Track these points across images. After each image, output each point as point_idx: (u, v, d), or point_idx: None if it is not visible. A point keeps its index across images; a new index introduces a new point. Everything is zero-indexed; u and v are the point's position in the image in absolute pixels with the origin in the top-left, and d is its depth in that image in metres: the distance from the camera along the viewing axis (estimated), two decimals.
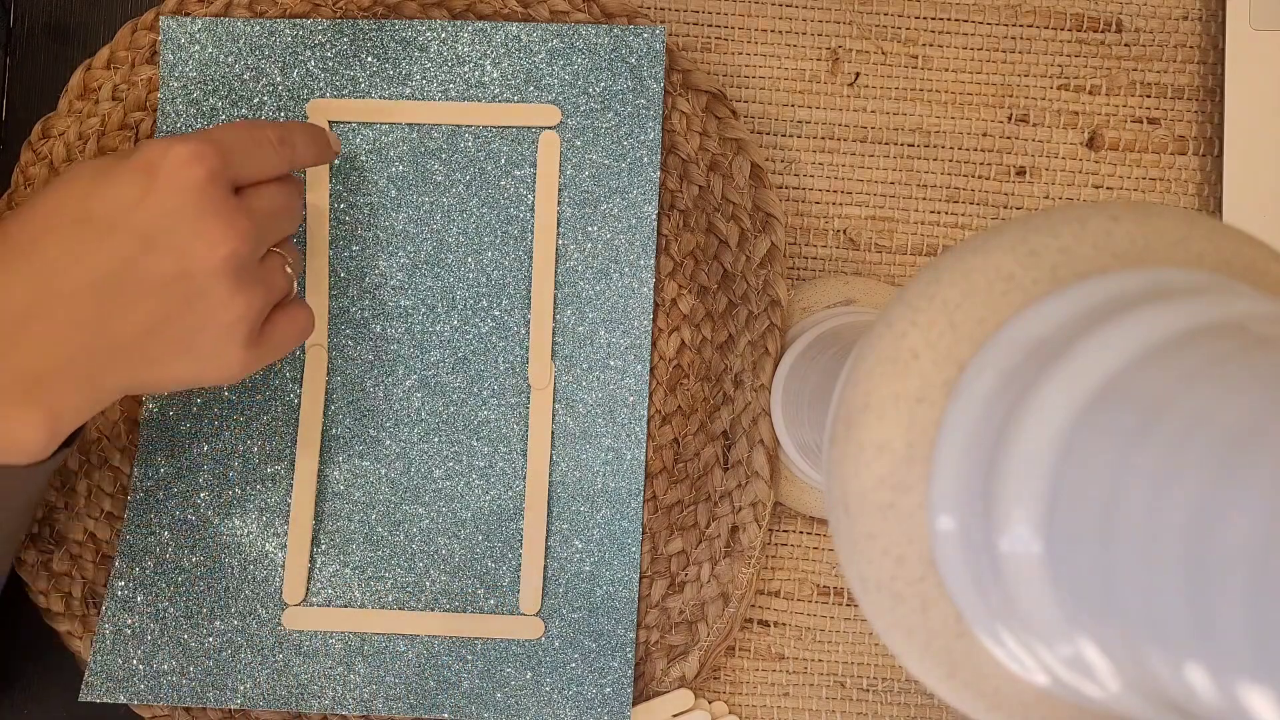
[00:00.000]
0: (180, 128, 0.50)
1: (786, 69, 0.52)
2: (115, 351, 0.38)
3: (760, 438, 0.49)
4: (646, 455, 0.50)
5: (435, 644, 0.49)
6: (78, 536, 0.50)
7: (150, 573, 0.49)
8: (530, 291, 0.50)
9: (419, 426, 0.50)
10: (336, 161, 0.51)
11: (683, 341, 0.50)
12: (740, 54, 0.53)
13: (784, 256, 0.50)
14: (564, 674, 0.48)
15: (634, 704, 0.49)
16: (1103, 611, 0.21)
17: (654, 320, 0.50)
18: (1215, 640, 0.18)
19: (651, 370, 0.50)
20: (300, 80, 0.50)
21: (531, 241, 0.50)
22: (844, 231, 0.52)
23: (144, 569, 0.49)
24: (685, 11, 0.53)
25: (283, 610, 0.49)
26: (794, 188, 0.52)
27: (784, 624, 0.51)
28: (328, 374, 0.50)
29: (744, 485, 0.49)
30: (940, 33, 0.52)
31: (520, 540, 0.49)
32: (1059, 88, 0.52)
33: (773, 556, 0.52)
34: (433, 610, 0.49)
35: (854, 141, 0.52)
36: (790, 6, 0.52)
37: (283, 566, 0.49)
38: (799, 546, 0.52)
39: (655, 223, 0.50)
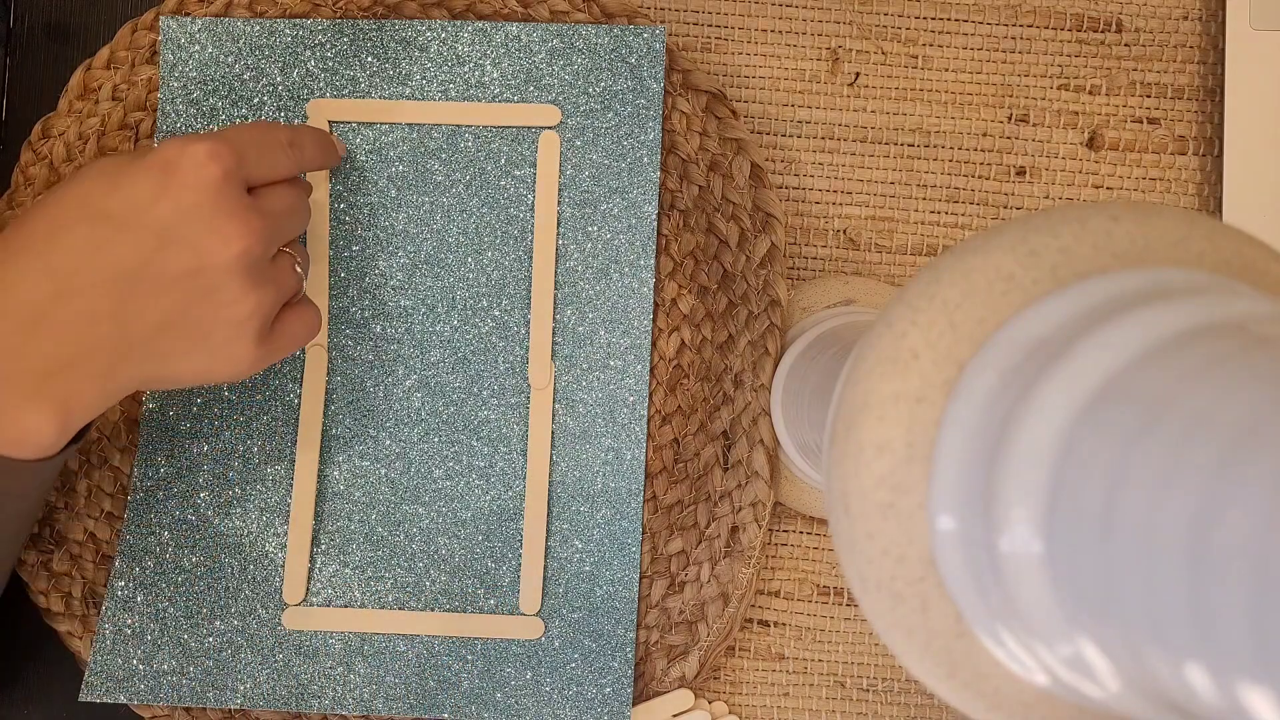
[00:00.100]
0: (180, 128, 0.50)
1: (786, 69, 0.52)
2: (129, 347, 0.39)
3: (760, 438, 0.49)
4: (646, 455, 0.50)
5: (435, 644, 0.49)
6: (78, 536, 0.50)
7: (150, 573, 0.49)
8: (530, 291, 0.50)
9: (419, 426, 0.50)
10: None
11: (683, 341, 0.50)
12: (740, 54, 0.53)
13: (784, 256, 0.50)
14: (564, 674, 0.48)
15: (634, 704, 0.49)
16: (1103, 611, 0.21)
17: (654, 320, 0.50)
18: (1215, 640, 0.18)
19: (651, 370, 0.50)
20: (300, 80, 0.50)
21: (531, 241, 0.50)
22: (844, 231, 0.52)
23: (144, 569, 0.49)
24: (685, 11, 0.53)
25: (283, 610, 0.49)
26: (794, 188, 0.52)
27: (784, 624, 0.51)
28: (328, 374, 0.50)
29: (744, 485, 0.49)
30: (940, 33, 0.52)
31: (520, 540, 0.49)
32: (1059, 88, 0.52)
33: (773, 556, 0.51)
34: (433, 610, 0.49)
35: (854, 141, 0.52)
36: (790, 6, 0.52)
37: (283, 566, 0.49)
38: (799, 546, 0.52)
39: (655, 223, 0.50)
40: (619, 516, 0.49)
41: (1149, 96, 0.52)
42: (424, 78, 0.50)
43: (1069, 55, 0.52)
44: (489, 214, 0.50)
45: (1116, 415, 0.21)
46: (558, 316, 0.50)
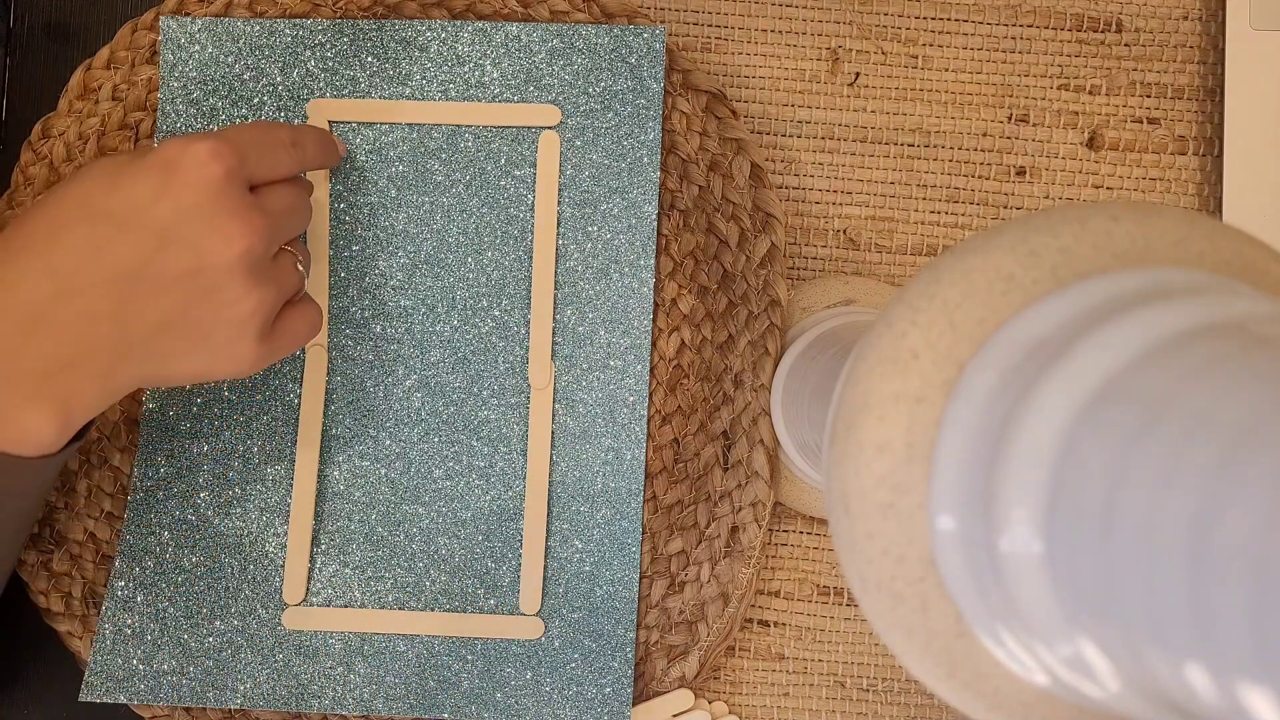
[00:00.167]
0: (180, 128, 0.50)
1: (786, 69, 0.52)
2: (130, 346, 0.39)
3: (760, 438, 0.49)
4: (646, 455, 0.50)
5: (435, 644, 0.49)
6: (78, 536, 0.50)
7: (150, 573, 0.49)
8: (530, 291, 0.50)
9: (419, 426, 0.50)
10: None
11: (683, 341, 0.50)
12: (740, 54, 0.53)
13: (784, 256, 0.50)
14: (564, 674, 0.48)
15: (634, 704, 0.49)
16: (1103, 611, 0.21)
17: (654, 320, 0.50)
18: (1215, 640, 0.18)
19: (651, 370, 0.50)
20: (300, 80, 0.50)
21: (531, 241, 0.50)
22: (844, 231, 0.52)
23: (144, 569, 0.49)
24: (685, 11, 0.53)
25: (283, 610, 0.49)
26: (794, 188, 0.52)
27: (784, 624, 0.51)
28: (328, 374, 0.50)
29: (744, 485, 0.49)
30: (940, 33, 0.52)
31: (520, 540, 0.49)
32: (1059, 88, 0.52)
33: (773, 556, 0.51)
34: (433, 610, 0.49)
35: (854, 141, 0.52)
36: (790, 6, 0.52)
37: (283, 566, 0.49)
38: (799, 546, 0.52)
39: (655, 223, 0.50)
40: (619, 516, 0.49)
41: (1149, 96, 0.52)
42: (424, 78, 0.50)
43: (1069, 55, 0.52)
44: (489, 214, 0.50)
45: (1116, 415, 0.21)
46: (558, 316, 0.50)
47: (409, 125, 0.50)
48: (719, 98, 0.50)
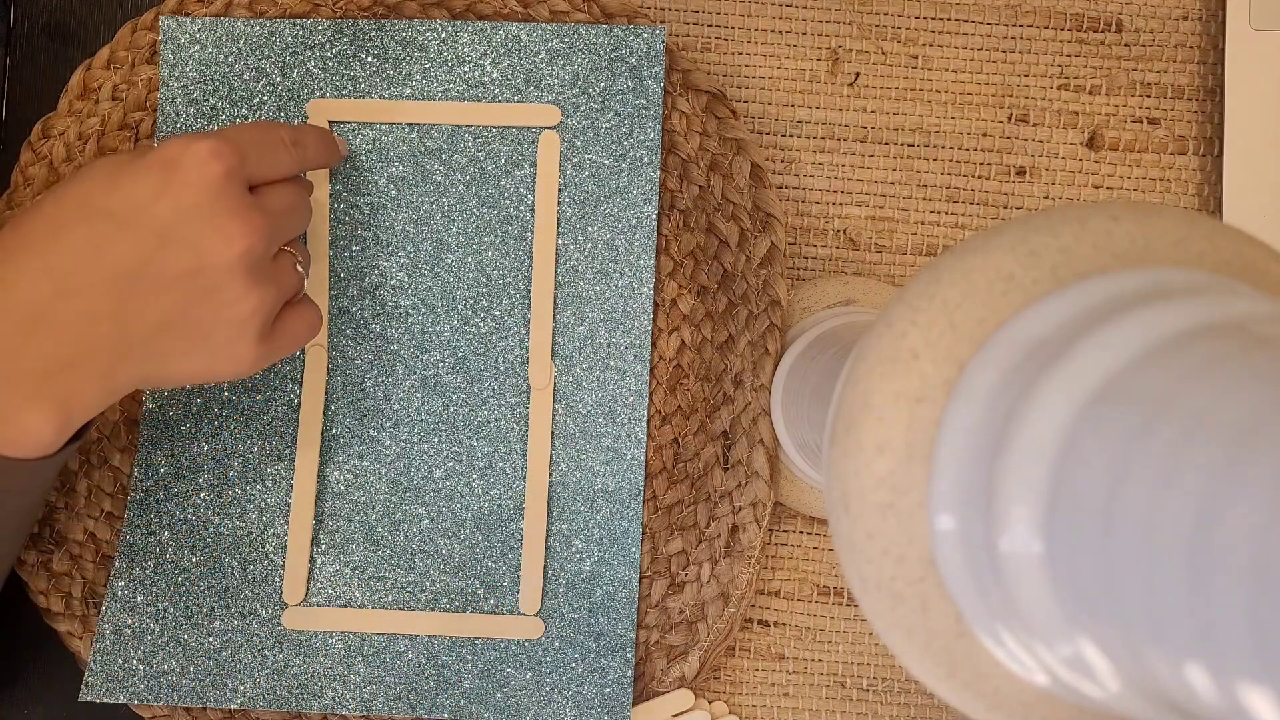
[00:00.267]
0: (180, 128, 0.50)
1: (786, 69, 0.52)
2: (130, 346, 0.39)
3: (760, 438, 0.49)
4: (646, 455, 0.50)
5: (435, 644, 0.49)
6: (78, 536, 0.50)
7: (150, 573, 0.49)
8: (530, 291, 0.50)
9: (419, 426, 0.50)
10: None
11: (683, 341, 0.50)
12: (740, 54, 0.53)
13: (784, 256, 0.50)
14: (564, 674, 0.48)
15: (634, 704, 0.49)
16: (1103, 611, 0.21)
17: (654, 320, 0.50)
18: (1215, 640, 0.18)
19: (651, 370, 0.50)
20: (300, 80, 0.50)
21: (531, 241, 0.50)
22: (844, 231, 0.52)
23: (144, 569, 0.49)
24: (685, 11, 0.53)
25: (283, 610, 0.49)
26: (794, 188, 0.52)
27: (784, 624, 0.51)
28: (328, 374, 0.50)
29: (744, 485, 0.49)
30: (940, 33, 0.52)
31: (520, 540, 0.49)
32: (1059, 88, 0.52)
33: (773, 556, 0.51)
34: (433, 610, 0.49)
35: (854, 141, 0.52)
36: (790, 6, 0.52)
37: (283, 566, 0.49)
38: (799, 546, 0.52)
39: (655, 223, 0.50)
40: (619, 516, 0.49)
41: (1149, 96, 0.52)
42: (424, 78, 0.50)
43: (1069, 55, 0.52)
44: (489, 214, 0.50)
45: (1117, 415, 0.21)
46: (558, 316, 0.50)
47: (409, 125, 0.50)
48: (719, 98, 0.50)
